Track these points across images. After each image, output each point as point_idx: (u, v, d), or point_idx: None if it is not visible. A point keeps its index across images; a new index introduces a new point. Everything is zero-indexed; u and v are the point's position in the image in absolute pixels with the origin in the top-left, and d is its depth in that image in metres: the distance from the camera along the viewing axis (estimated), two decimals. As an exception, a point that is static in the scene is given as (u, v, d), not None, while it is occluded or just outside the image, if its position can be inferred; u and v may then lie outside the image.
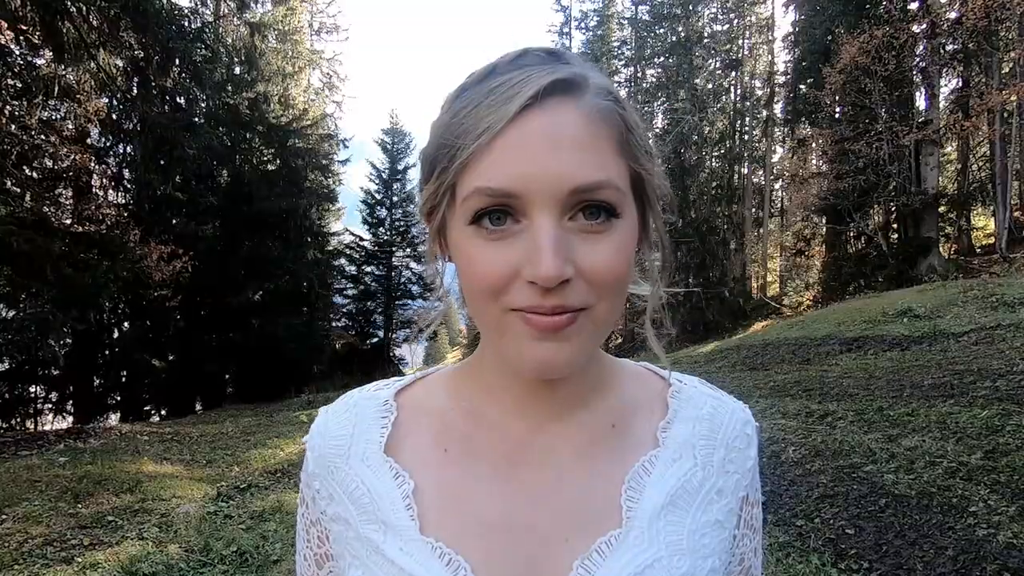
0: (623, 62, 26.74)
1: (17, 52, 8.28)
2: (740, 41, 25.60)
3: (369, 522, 0.50)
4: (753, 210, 25.77)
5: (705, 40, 24.05)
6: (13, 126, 8.18)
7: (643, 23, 25.56)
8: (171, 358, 14.95)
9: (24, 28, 7.91)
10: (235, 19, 15.25)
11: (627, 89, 25.08)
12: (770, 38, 26.27)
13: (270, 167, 16.57)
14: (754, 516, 0.55)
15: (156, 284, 9.78)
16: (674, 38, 23.82)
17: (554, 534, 0.48)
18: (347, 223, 23.58)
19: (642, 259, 0.53)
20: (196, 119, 11.77)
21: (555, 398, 0.51)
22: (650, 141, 0.47)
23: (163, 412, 14.65)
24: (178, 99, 10.98)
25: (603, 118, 0.43)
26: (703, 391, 0.56)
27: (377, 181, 23.65)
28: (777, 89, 24.81)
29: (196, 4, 11.35)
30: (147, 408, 14.82)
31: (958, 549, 2.56)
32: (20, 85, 8.43)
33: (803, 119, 21.17)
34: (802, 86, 20.59)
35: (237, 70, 15.95)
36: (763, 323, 16.69)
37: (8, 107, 8.24)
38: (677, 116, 22.04)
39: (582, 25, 27.38)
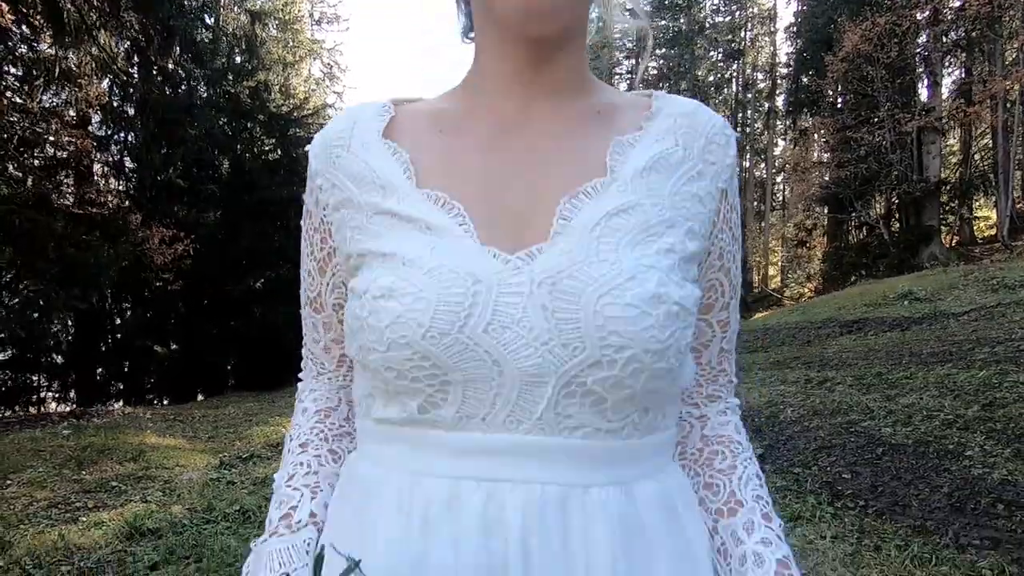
0: (624, 53, 26.71)
1: (18, 35, 8.29)
2: (742, 32, 25.56)
3: (369, 191, 0.53)
4: (755, 203, 25.76)
5: (707, 31, 24.02)
6: (15, 115, 8.19)
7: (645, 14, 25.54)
8: (173, 346, 15.00)
9: (25, 10, 7.93)
10: (235, 7, 15.26)
11: (628, 81, 25.06)
12: (772, 29, 26.24)
13: (271, 156, 16.53)
14: (733, 221, 0.58)
15: (158, 268, 9.82)
16: (676, 29, 23.80)
17: (544, 182, 0.52)
18: (348, 214, 23.62)
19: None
20: (196, 103, 11.80)
21: (542, 76, 0.54)
22: None
23: (165, 400, 14.69)
24: (179, 85, 11.01)
25: None
26: (684, 99, 0.59)
27: (378, 173, 23.68)
28: (779, 80, 24.77)
29: (197, -13, 11.34)
30: (149, 396, 14.86)
31: (953, 487, 2.58)
32: (21, 73, 8.45)
33: (805, 110, 21.11)
34: (804, 77, 20.54)
35: (238, 59, 15.95)
36: (765, 313, 16.68)
37: (9, 92, 8.26)
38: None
39: (583, 17, 27.33)
